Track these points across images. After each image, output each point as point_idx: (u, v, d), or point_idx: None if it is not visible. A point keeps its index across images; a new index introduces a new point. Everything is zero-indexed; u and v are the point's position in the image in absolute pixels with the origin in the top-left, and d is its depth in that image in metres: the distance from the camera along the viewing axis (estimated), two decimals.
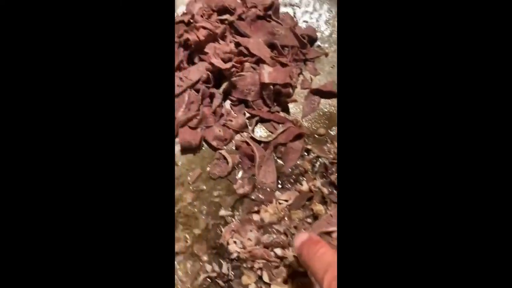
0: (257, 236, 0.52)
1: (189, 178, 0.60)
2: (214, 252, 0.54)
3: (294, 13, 0.73)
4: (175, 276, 0.52)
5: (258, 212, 0.55)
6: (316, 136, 0.63)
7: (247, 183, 0.58)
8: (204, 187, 0.60)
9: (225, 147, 0.62)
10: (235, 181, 0.59)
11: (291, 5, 0.73)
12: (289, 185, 0.57)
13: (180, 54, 0.64)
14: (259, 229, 0.53)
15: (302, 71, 0.67)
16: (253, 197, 0.57)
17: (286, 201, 0.55)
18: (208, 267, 0.53)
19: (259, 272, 0.51)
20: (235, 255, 0.52)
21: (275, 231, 0.52)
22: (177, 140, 0.62)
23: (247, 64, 0.62)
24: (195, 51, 0.64)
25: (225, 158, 0.60)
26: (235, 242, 0.53)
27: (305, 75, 0.67)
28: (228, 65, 0.59)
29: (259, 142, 0.61)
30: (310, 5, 0.74)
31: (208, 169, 0.60)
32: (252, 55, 0.61)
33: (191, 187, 0.60)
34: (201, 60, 0.64)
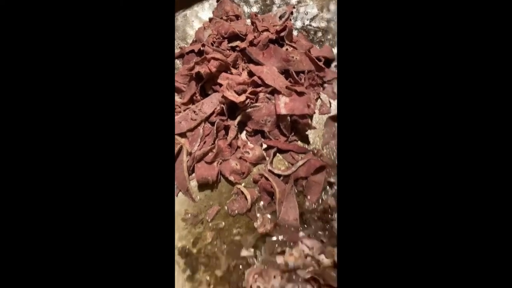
0: (281, 284, 0.49)
1: (207, 216, 0.58)
2: None
3: (308, 33, 0.69)
4: None
5: (281, 253, 0.52)
6: None
7: (268, 221, 0.56)
8: (223, 224, 0.58)
9: (243, 181, 0.59)
10: (255, 218, 0.57)
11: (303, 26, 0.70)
12: (313, 225, 0.54)
13: (192, 87, 0.61)
14: (283, 273, 0.50)
15: (320, 96, 0.64)
16: (275, 238, 0.54)
17: (312, 248, 0.52)
18: None
19: None
20: None
21: (300, 279, 0.49)
22: (194, 175, 0.61)
23: (261, 95, 0.59)
24: (208, 82, 0.62)
25: (243, 193, 0.58)
26: (258, 287, 0.50)
27: (324, 99, 0.64)
28: (242, 98, 0.56)
29: (278, 176, 0.58)
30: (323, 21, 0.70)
31: (226, 207, 0.58)
32: (266, 85, 0.58)
33: (210, 225, 0.58)
34: (214, 91, 0.62)
